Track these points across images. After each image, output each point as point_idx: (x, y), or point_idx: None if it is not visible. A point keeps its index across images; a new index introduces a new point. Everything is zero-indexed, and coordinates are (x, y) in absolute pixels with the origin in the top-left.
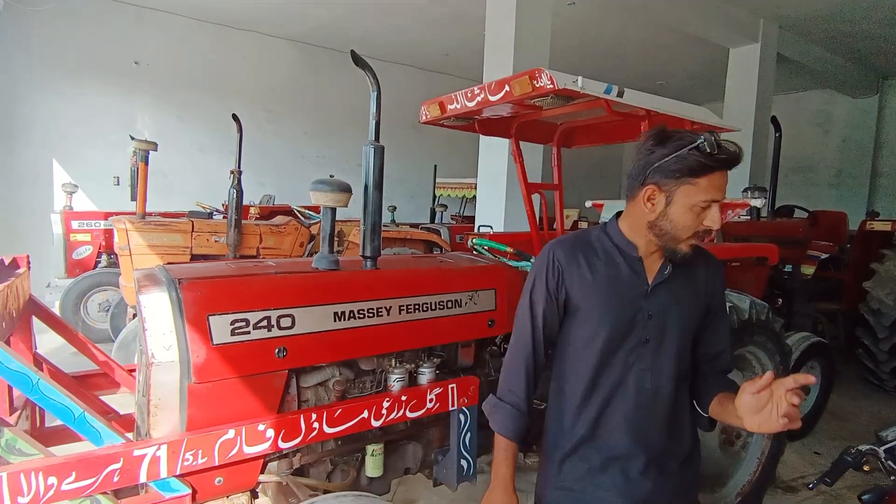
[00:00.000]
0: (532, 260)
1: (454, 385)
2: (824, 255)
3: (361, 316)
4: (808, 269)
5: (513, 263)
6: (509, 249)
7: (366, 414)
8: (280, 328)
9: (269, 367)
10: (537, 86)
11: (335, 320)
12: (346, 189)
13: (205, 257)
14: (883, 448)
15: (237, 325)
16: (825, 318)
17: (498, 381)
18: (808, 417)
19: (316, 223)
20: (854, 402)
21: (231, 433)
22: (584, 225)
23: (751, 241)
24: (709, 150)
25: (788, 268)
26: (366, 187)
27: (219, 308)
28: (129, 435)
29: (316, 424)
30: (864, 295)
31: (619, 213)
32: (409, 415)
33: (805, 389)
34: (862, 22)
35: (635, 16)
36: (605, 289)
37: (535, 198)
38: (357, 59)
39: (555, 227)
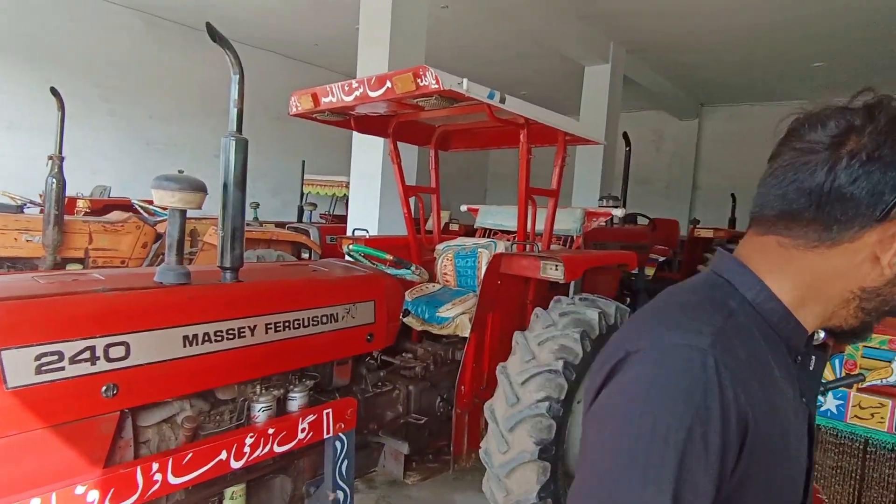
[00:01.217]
0: (414, 269)
1: (329, 410)
2: (662, 258)
3: (219, 338)
4: (650, 271)
5: (391, 271)
6: (389, 257)
7: (224, 455)
8: (109, 360)
9: (92, 411)
10: (421, 84)
11: (185, 345)
12: (199, 188)
13: (12, 261)
14: None
15: (46, 360)
16: None
17: (380, 403)
18: None
19: (163, 220)
20: None
21: None
22: (454, 228)
23: (606, 245)
24: None
25: (635, 270)
26: (225, 185)
27: (17, 339)
28: None
29: (158, 476)
30: None
31: (726, 248)
32: (278, 449)
33: None
34: (690, 54)
35: (502, 25)
36: (794, 429)
37: (412, 200)
38: (214, 34)
39: (430, 230)
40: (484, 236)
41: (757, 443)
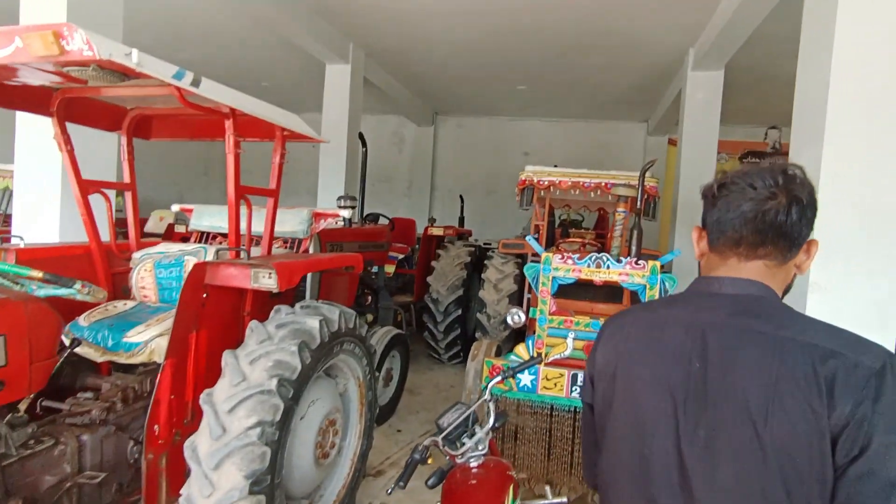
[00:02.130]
0: (80, 286)
1: None
2: (401, 256)
3: None
4: (390, 268)
5: (46, 292)
6: (36, 273)
7: None
8: None
9: None
10: (67, 49)
11: None
12: None
13: None
14: (441, 437)
15: None
16: (402, 309)
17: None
18: (391, 402)
19: None
20: (423, 376)
21: None
22: (181, 229)
23: (344, 246)
24: None
25: (375, 269)
26: None
27: None
28: None
29: None
30: (427, 287)
31: (712, 277)
32: None
33: (388, 377)
34: (421, 64)
35: (230, 5)
36: None
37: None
38: None
39: (127, 236)
40: (201, 241)
41: None
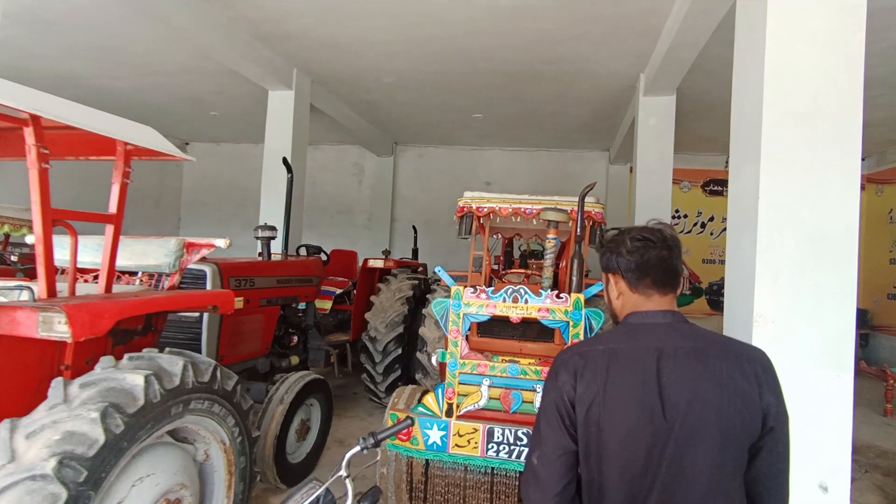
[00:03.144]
0: None
1: None
2: (339, 291)
3: None
4: (325, 304)
5: None
6: None
7: None
8: None
9: None
10: None
11: None
12: None
13: None
14: None
15: None
16: (335, 349)
17: None
18: (308, 458)
19: None
20: (360, 423)
21: None
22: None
23: (256, 281)
24: None
25: (303, 305)
26: None
27: None
28: None
29: None
30: (366, 324)
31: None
32: None
33: (304, 430)
34: (371, 92)
35: (164, 32)
36: None
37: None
38: None
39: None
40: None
41: None
